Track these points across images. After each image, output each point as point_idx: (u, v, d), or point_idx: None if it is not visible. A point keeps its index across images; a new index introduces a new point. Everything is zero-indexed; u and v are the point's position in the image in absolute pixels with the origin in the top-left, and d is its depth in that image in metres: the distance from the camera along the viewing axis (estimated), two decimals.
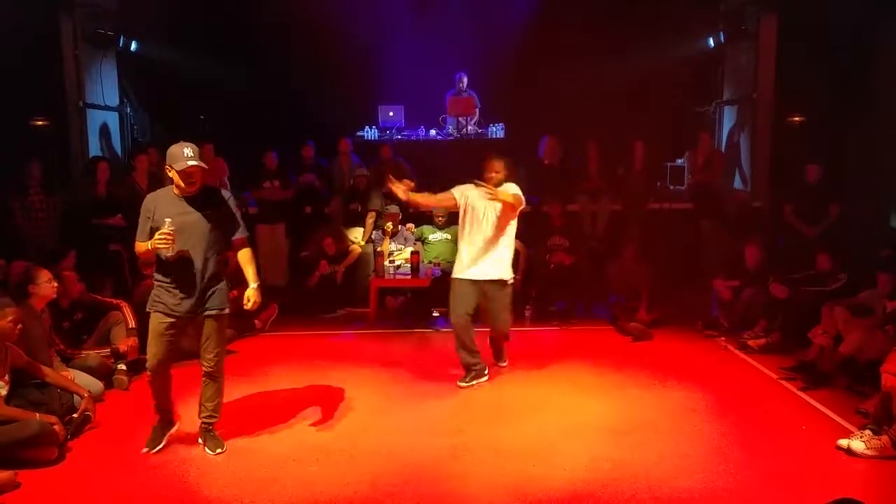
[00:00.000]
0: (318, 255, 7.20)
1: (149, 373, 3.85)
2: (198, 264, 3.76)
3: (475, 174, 8.12)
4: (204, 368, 3.90)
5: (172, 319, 3.77)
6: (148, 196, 3.89)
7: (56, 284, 4.62)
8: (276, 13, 8.62)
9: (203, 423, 3.98)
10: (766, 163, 8.19)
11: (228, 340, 5.71)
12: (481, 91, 9.03)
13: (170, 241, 3.61)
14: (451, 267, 6.77)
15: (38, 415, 3.84)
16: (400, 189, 4.80)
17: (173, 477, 3.68)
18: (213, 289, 3.82)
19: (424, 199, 5.28)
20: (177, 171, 3.72)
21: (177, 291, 3.76)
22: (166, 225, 3.62)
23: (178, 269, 3.75)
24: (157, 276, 3.82)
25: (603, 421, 4.32)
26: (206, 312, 3.81)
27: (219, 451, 3.93)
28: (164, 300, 3.78)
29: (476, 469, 3.73)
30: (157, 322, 3.79)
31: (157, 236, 3.63)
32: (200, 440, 3.99)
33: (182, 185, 3.74)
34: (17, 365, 4.00)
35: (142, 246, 3.78)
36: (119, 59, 8.64)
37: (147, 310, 3.86)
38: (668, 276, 6.87)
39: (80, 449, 3.96)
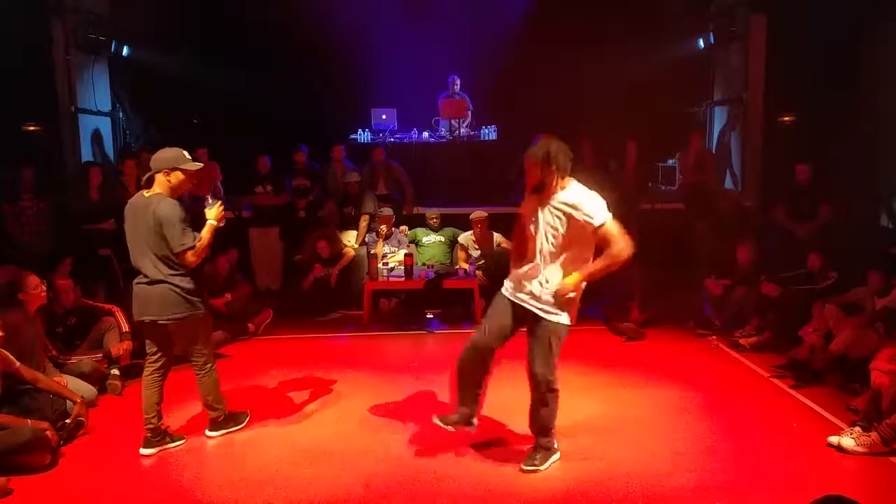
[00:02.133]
0: (312, 257, 7.21)
1: (212, 366, 4.05)
2: None
3: (468, 176, 8.20)
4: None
5: None
6: (173, 201, 3.83)
7: (45, 289, 4.60)
8: (267, 18, 8.64)
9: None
10: (757, 163, 8.24)
11: (221, 344, 5.78)
12: (474, 93, 9.07)
13: None
14: (444, 269, 6.87)
15: (30, 421, 3.83)
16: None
17: (167, 481, 3.68)
18: None
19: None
20: (188, 172, 3.88)
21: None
22: (211, 200, 3.95)
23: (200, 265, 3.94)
24: (192, 278, 3.85)
25: (596, 420, 4.34)
26: None
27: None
28: (201, 296, 3.93)
29: (469, 470, 3.74)
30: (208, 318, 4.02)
31: (218, 212, 3.91)
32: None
33: (190, 185, 3.95)
34: (8, 371, 3.99)
35: (200, 245, 3.82)
36: (111, 64, 8.64)
37: (196, 313, 3.87)
38: (660, 275, 6.89)
39: (73, 455, 3.95)
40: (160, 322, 3.83)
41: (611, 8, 8.69)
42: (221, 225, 3.96)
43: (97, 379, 4.80)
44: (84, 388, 4.51)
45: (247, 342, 6.17)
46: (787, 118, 7.93)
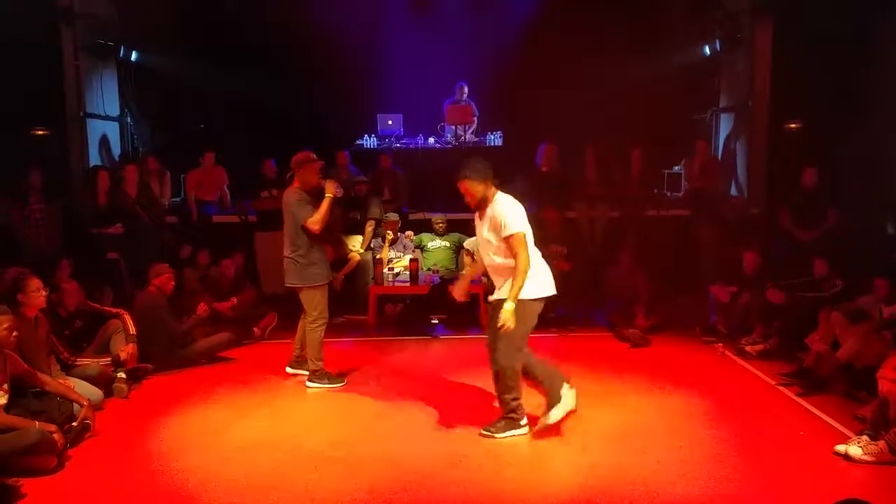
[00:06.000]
0: None
1: (319, 325, 5.04)
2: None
3: None
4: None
5: None
6: (300, 191, 4.93)
7: (45, 293, 4.60)
8: (275, 23, 8.69)
9: (302, 356, 5.25)
10: (763, 169, 8.23)
11: (226, 346, 5.81)
12: (479, 99, 9.09)
13: None
14: (450, 274, 6.87)
15: (37, 423, 3.84)
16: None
17: (173, 485, 3.69)
18: None
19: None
20: (313, 167, 4.96)
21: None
22: (326, 181, 4.96)
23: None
24: (311, 256, 4.94)
25: (601, 427, 4.33)
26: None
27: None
28: (319, 269, 5.02)
29: (474, 476, 3.73)
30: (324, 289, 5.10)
31: (330, 188, 4.88)
32: (297, 370, 5.29)
33: (316, 178, 4.96)
34: (16, 373, 4.01)
35: (317, 215, 4.86)
36: (119, 69, 8.70)
37: (309, 283, 4.98)
38: (665, 282, 6.89)
39: (80, 457, 3.97)
40: (290, 286, 5.04)
41: (616, 15, 8.69)
42: (340, 194, 5.05)
43: (104, 382, 4.82)
44: (90, 391, 4.53)
45: (252, 346, 6.19)
46: (792, 125, 7.92)
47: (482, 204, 4.08)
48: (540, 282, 4.03)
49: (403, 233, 7.39)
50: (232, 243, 7.26)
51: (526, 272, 3.86)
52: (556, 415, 4.12)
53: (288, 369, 5.35)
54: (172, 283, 5.69)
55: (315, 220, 4.85)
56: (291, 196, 4.92)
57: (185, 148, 8.44)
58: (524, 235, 3.93)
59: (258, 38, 8.74)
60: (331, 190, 4.91)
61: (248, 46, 8.78)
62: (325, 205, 4.88)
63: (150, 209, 7.20)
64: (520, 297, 3.89)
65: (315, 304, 5.04)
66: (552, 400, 4.14)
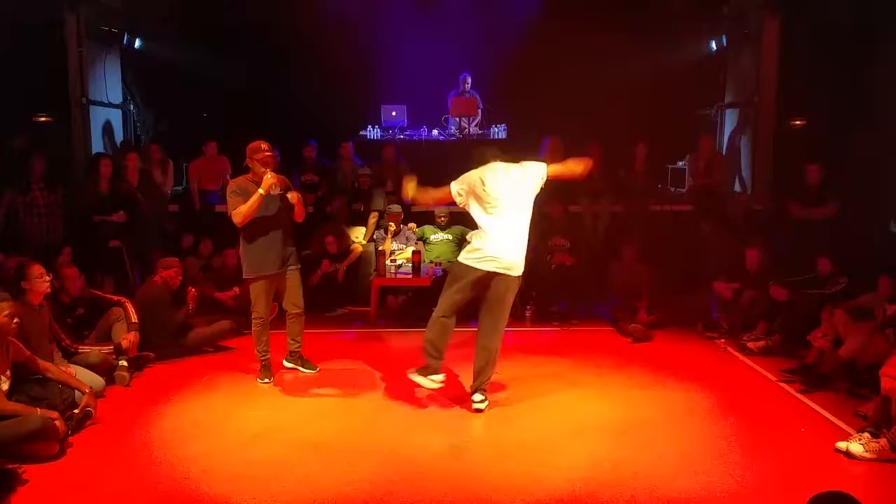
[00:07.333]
0: (320, 253, 7.21)
1: (263, 323, 4.88)
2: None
3: None
4: (293, 311, 4.98)
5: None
6: (234, 182, 4.78)
7: (49, 278, 4.60)
8: (279, 12, 8.66)
9: (295, 351, 5.13)
10: (767, 166, 8.21)
11: (227, 335, 5.80)
12: (484, 91, 9.06)
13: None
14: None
15: (39, 410, 3.85)
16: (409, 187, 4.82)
17: (174, 474, 3.69)
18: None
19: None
20: (260, 157, 4.71)
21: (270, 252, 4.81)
22: (269, 174, 4.63)
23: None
24: (249, 249, 4.78)
25: (603, 421, 4.33)
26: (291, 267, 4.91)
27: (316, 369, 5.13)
28: (250, 265, 4.78)
29: (476, 468, 3.74)
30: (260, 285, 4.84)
31: (265, 183, 4.56)
32: (293, 365, 5.16)
33: (263, 167, 4.67)
34: (18, 360, 4.01)
35: (238, 209, 4.64)
36: (123, 56, 8.68)
37: (247, 275, 4.82)
38: (668, 277, 6.88)
39: (81, 444, 3.97)
40: None
41: (623, 9, 8.66)
42: (273, 192, 4.67)
43: (105, 370, 4.82)
44: (92, 379, 4.54)
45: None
46: (798, 121, 7.89)
47: None
48: (477, 254, 4.51)
49: (406, 225, 7.38)
50: (234, 233, 7.23)
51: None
52: (417, 378, 4.47)
53: (284, 362, 5.26)
54: (180, 278, 5.65)
55: (237, 213, 4.60)
56: (230, 185, 4.79)
57: (188, 137, 8.43)
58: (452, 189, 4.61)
59: (262, 28, 8.72)
60: (264, 186, 4.57)
61: (252, 36, 8.75)
62: (252, 199, 4.58)
63: (150, 197, 7.19)
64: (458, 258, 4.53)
65: (252, 296, 4.88)
66: (427, 369, 4.45)
